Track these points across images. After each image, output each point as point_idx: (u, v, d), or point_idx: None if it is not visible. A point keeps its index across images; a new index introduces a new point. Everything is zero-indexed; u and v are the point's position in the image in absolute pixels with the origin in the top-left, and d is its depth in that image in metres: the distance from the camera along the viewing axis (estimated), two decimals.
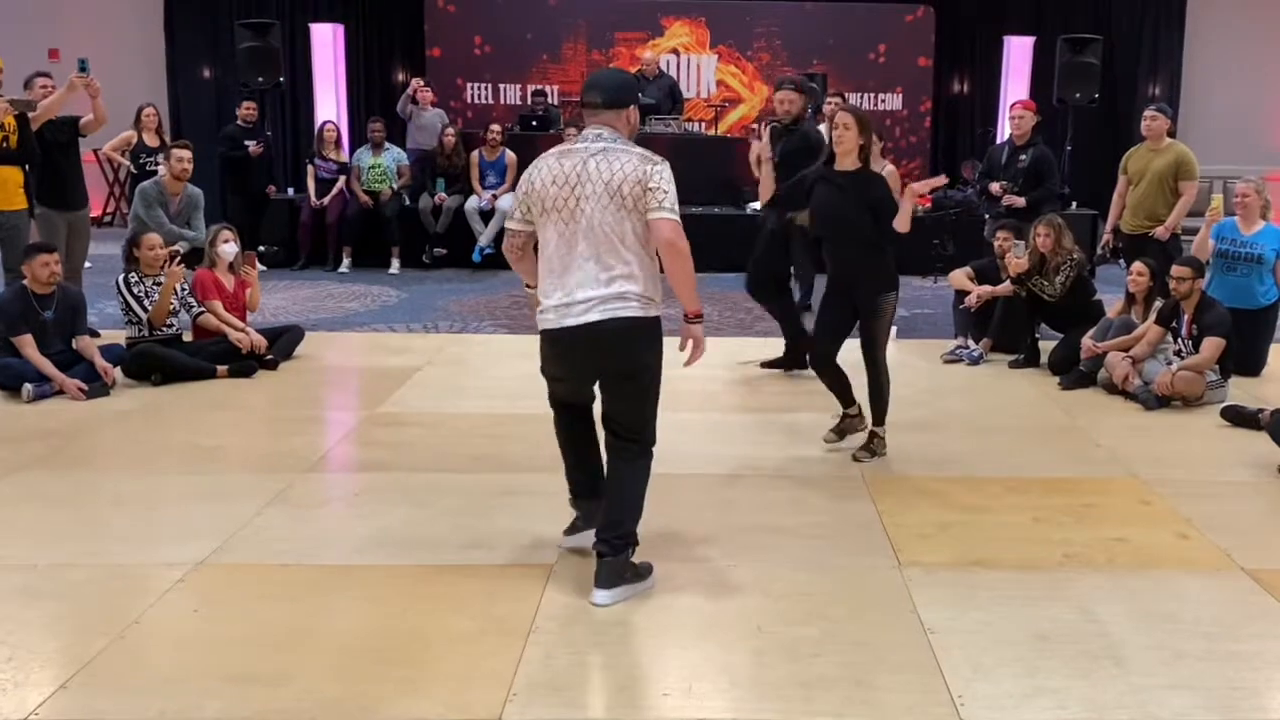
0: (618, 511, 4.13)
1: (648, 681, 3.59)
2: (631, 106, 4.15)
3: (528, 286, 4.33)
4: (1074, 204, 12.21)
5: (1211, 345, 6.88)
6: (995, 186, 8.90)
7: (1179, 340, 7.12)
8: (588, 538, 4.26)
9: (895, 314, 5.91)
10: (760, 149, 7.18)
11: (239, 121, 11.99)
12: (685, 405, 6.50)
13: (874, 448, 5.79)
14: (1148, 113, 8.68)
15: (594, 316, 3.97)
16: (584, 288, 3.98)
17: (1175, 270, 7.10)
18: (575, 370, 4.17)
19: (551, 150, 4.12)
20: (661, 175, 3.96)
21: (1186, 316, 7.07)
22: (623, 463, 4.17)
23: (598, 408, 4.31)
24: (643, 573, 4.19)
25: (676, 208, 3.96)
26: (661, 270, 4.10)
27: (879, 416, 5.85)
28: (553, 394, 4.36)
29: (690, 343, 4.19)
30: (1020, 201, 8.70)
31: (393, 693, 3.47)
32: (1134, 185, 8.60)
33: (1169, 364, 7.03)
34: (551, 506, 5.00)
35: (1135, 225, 8.57)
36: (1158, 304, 7.37)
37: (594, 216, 3.94)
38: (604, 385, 4.16)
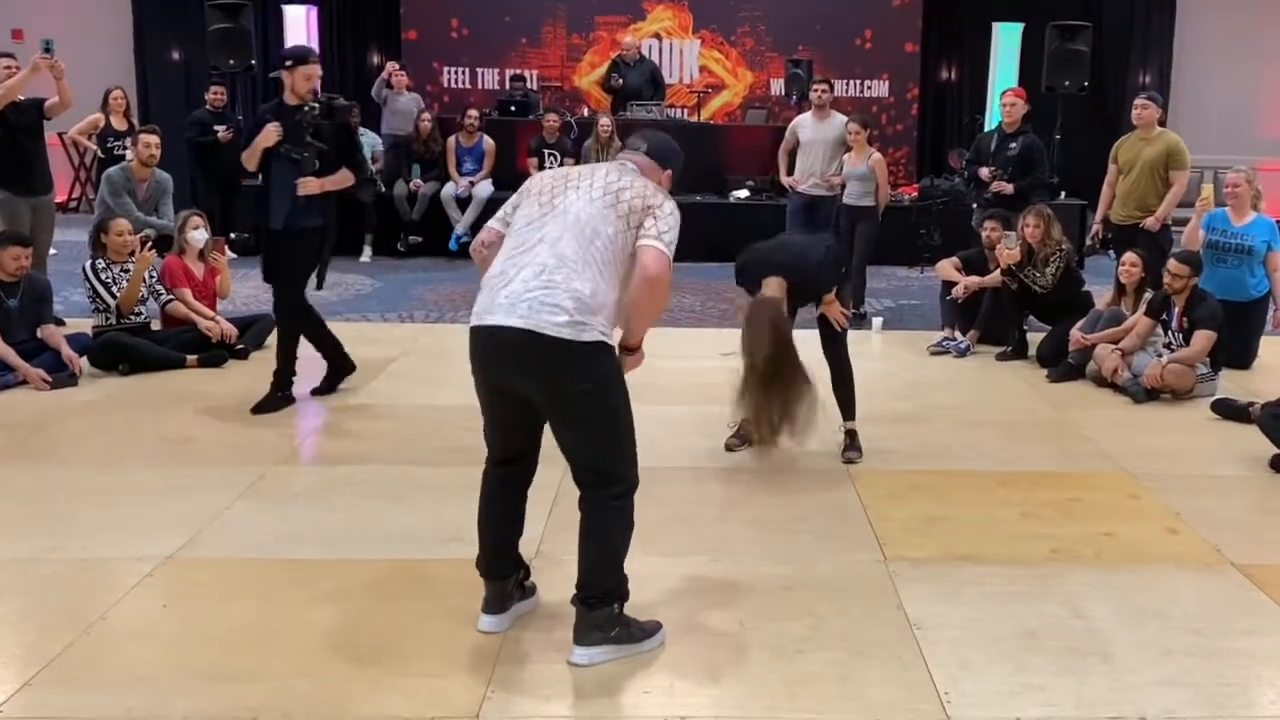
0: (590, 565, 3.68)
1: (629, 679, 3.58)
2: (669, 172, 3.90)
3: None
4: (1063, 194, 12.25)
5: (1202, 338, 6.92)
6: (984, 172, 8.93)
7: (1169, 333, 7.16)
8: (501, 622, 3.86)
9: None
10: None
11: (208, 106, 11.92)
12: (668, 398, 6.50)
13: (858, 444, 5.77)
14: (1138, 101, 8.71)
15: (513, 320, 3.46)
16: (523, 272, 3.52)
17: (1174, 266, 7.13)
18: (491, 380, 3.67)
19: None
20: (668, 209, 3.60)
21: (1177, 309, 7.10)
22: (591, 511, 3.69)
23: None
24: (636, 634, 3.73)
25: (674, 245, 3.57)
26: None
27: (852, 411, 5.81)
28: (486, 432, 3.86)
29: (625, 366, 3.73)
30: (1008, 188, 8.74)
31: (366, 690, 3.45)
32: (1124, 175, 8.63)
33: (1159, 356, 7.07)
34: (531, 500, 5.00)
35: (1125, 215, 8.59)
36: (1148, 295, 7.41)
37: (574, 204, 3.58)
38: (547, 416, 3.70)
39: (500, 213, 3.82)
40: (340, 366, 6.87)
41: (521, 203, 3.73)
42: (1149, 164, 8.44)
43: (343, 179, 6.43)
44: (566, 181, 3.68)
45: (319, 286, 6.85)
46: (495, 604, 3.87)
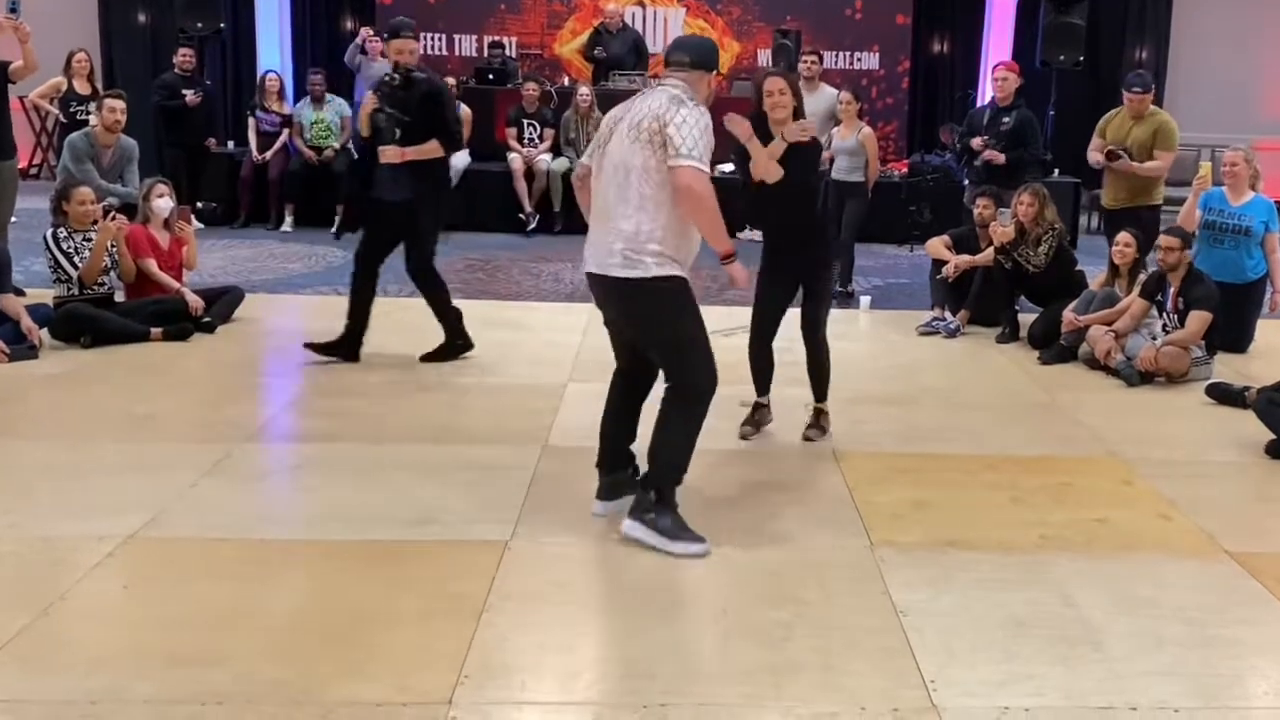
0: (652, 448, 4.40)
1: (607, 665, 3.58)
2: (714, 73, 4.44)
3: None
4: (1056, 171, 12.25)
5: (1197, 319, 6.93)
6: (976, 141, 8.91)
7: (1164, 314, 7.17)
8: (609, 508, 4.55)
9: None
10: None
11: (176, 70, 11.81)
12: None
13: (824, 425, 5.76)
14: (1134, 93, 8.39)
15: (592, 268, 4.32)
16: (599, 226, 4.30)
17: (1163, 240, 7.14)
18: (602, 312, 4.55)
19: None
20: (685, 119, 4.07)
21: (1173, 289, 7.11)
22: (664, 404, 4.40)
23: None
24: (672, 531, 4.30)
25: (698, 152, 4.06)
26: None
27: (823, 393, 5.79)
28: (614, 352, 4.66)
29: (732, 279, 4.53)
30: (1000, 158, 8.72)
31: (336, 675, 3.44)
32: None
33: (1153, 339, 7.08)
34: (506, 479, 5.00)
35: (1116, 200, 8.50)
36: (1142, 276, 7.42)
37: (614, 150, 4.21)
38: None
39: (587, 150, 4.55)
40: (453, 342, 7.05)
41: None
42: (1139, 145, 8.29)
43: (429, 149, 6.64)
44: (614, 126, 4.27)
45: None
46: (607, 491, 4.59)
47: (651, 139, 4.09)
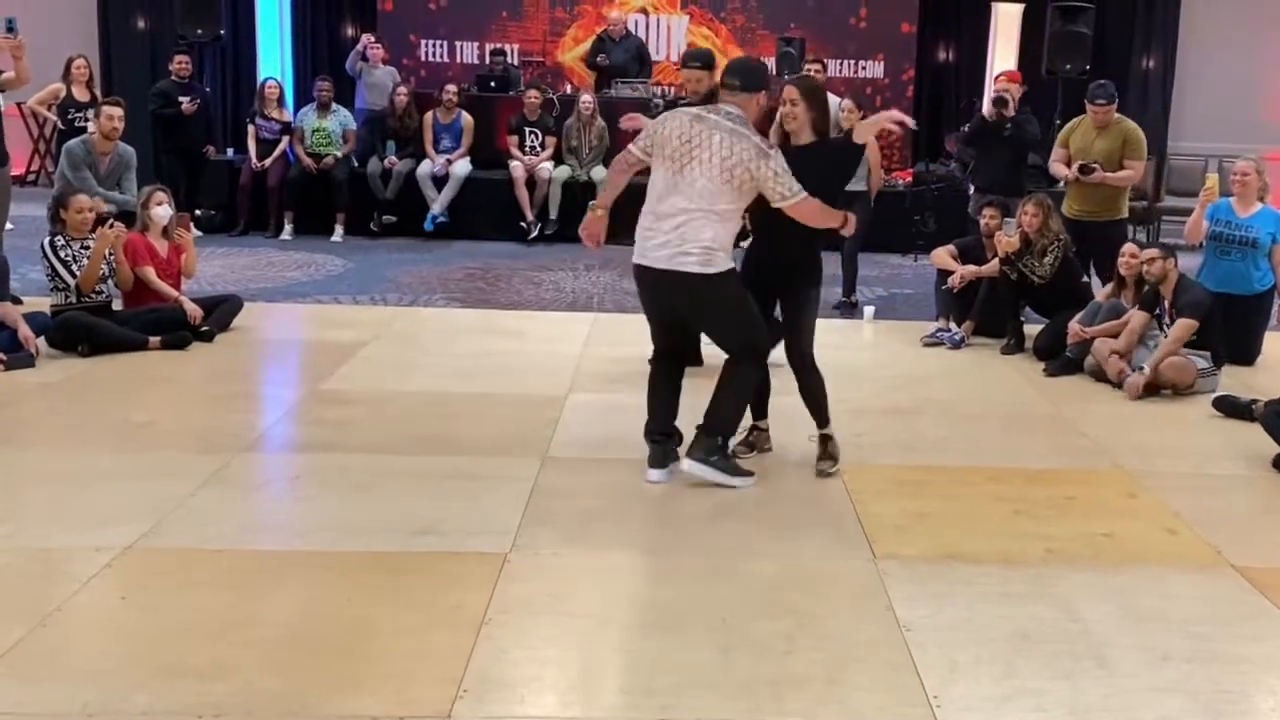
0: (712, 401, 5.17)
1: (606, 678, 3.58)
2: (762, 92, 5.11)
3: (594, 207, 5.44)
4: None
5: (1179, 327, 6.93)
6: (987, 108, 8.92)
7: (1163, 327, 7.17)
8: (665, 475, 5.17)
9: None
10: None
11: (172, 77, 11.84)
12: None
13: (834, 453, 5.49)
14: (1099, 104, 8.34)
15: (661, 265, 4.96)
16: (665, 227, 4.94)
17: (1144, 254, 7.19)
18: (652, 301, 5.20)
19: (689, 109, 5.13)
20: (776, 171, 4.88)
21: (1167, 302, 7.13)
22: (726, 365, 5.21)
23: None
24: (730, 470, 5.13)
25: (798, 186, 4.90)
26: (744, 237, 5.46)
27: (825, 418, 5.51)
28: (652, 335, 5.35)
29: (846, 223, 5.26)
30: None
31: (334, 687, 3.44)
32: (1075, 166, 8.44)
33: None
34: (505, 490, 5.01)
35: (1081, 211, 8.42)
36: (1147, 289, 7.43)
37: (698, 178, 4.89)
38: (691, 322, 5.28)
39: (640, 142, 5.14)
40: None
41: (654, 152, 5.04)
42: (1105, 157, 8.26)
43: None
44: (691, 149, 4.92)
45: None
46: (659, 460, 5.20)
47: (741, 185, 4.89)
